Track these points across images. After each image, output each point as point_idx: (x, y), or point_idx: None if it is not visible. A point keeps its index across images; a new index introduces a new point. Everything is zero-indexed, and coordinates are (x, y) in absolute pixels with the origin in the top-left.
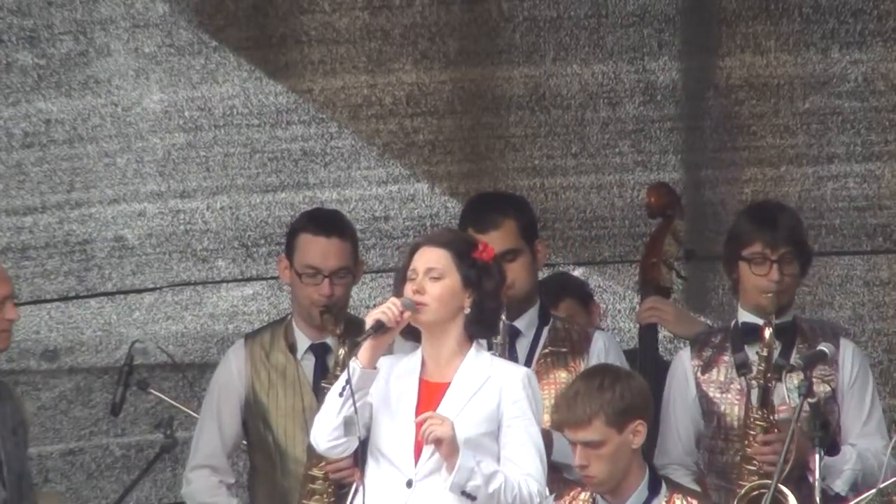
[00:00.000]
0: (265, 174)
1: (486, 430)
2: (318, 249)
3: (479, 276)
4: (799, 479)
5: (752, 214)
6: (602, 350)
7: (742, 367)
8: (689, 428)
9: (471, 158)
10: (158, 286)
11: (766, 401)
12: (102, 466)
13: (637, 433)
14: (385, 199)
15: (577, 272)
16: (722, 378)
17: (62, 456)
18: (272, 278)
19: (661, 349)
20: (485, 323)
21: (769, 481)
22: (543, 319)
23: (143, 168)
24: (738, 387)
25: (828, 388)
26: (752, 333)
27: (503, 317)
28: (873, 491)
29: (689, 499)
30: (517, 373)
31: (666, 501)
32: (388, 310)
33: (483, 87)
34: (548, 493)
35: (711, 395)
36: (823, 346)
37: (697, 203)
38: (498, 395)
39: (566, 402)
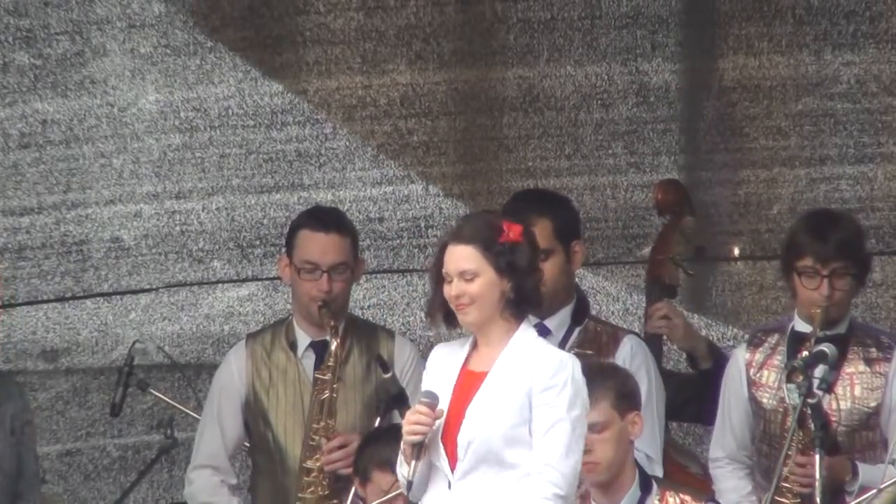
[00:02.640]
0: (260, 175)
1: (518, 421)
2: (317, 245)
3: (511, 259)
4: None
5: (806, 225)
6: (629, 355)
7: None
8: (744, 423)
9: (465, 160)
10: (154, 287)
11: (803, 422)
12: (100, 468)
13: (634, 424)
14: (379, 201)
15: None
16: (771, 383)
17: (59, 457)
18: (268, 279)
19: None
20: (528, 301)
21: None
22: (577, 320)
23: (140, 169)
24: (783, 395)
25: (873, 403)
26: (803, 343)
27: None
28: (874, 491)
29: (680, 496)
30: (552, 359)
31: (658, 500)
32: (420, 426)
33: (477, 88)
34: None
35: (759, 398)
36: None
37: None
38: (529, 384)
39: None
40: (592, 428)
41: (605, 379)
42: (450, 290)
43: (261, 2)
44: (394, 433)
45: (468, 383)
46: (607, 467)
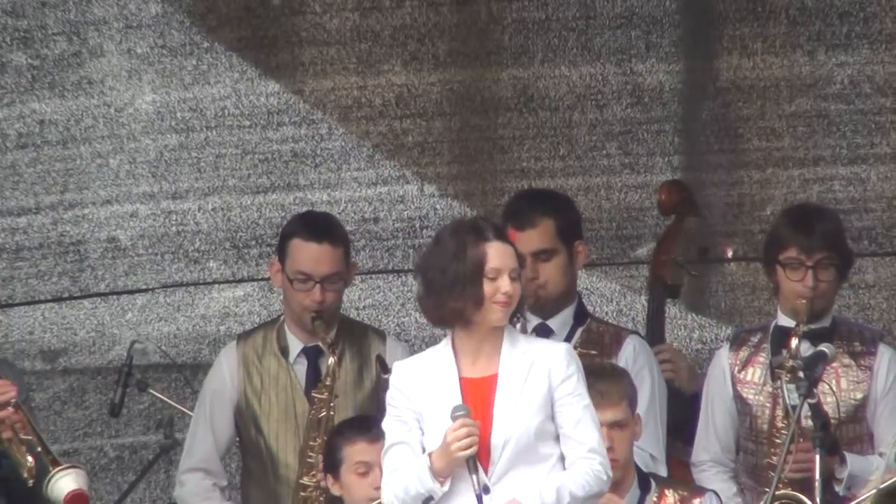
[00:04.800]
0: (256, 175)
1: (545, 415)
2: (310, 256)
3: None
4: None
5: (789, 218)
6: (631, 355)
7: (778, 370)
8: (728, 426)
9: (460, 160)
10: (151, 287)
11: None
12: (97, 468)
13: (637, 425)
14: (375, 201)
15: None
16: (756, 379)
17: (57, 457)
18: (263, 279)
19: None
20: (520, 306)
21: (794, 492)
22: (579, 320)
23: (136, 169)
24: (771, 390)
25: (859, 396)
26: (786, 337)
27: None
28: (873, 491)
29: (679, 492)
30: (559, 350)
31: (657, 497)
32: (472, 438)
33: (472, 88)
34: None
35: (745, 395)
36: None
37: None
38: (547, 378)
39: (590, 385)
40: (615, 425)
41: (619, 378)
42: (501, 287)
43: (257, 2)
44: (359, 421)
45: (476, 389)
46: (623, 465)
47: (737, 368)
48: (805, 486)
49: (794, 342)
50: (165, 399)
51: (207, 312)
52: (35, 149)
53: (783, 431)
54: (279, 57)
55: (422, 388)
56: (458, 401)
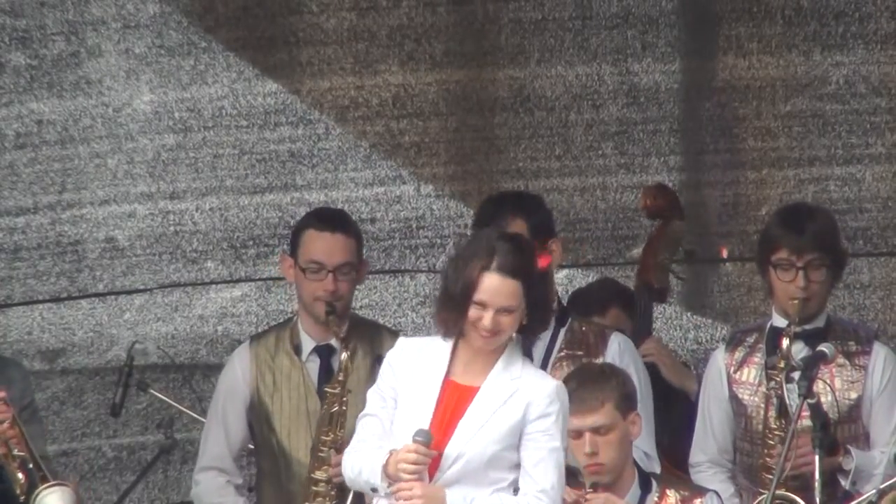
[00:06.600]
0: (254, 175)
1: (508, 444)
2: (323, 245)
3: (539, 292)
4: (830, 482)
5: (780, 218)
6: (617, 353)
7: (771, 371)
8: (725, 426)
9: (456, 160)
10: (149, 287)
11: (783, 412)
12: (95, 468)
13: (634, 424)
14: (371, 202)
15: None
16: (752, 380)
17: (55, 457)
18: (261, 279)
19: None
20: (535, 328)
21: (787, 493)
22: (560, 321)
23: (134, 169)
24: (765, 390)
25: (854, 395)
26: (781, 337)
27: None
28: (873, 491)
29: (681, 491)
30: (545, 388)
31: (658, 497)
32: (418, 466)
33: (468, 88)
34: None
35: (741, 396)
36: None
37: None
38: (524, 409)
39: (573, 392)
40: (598, 430)
41: (607, 380)
42: (483, 320)
43: (254, 2)
44: None
45: (455, 396)
46: (611, 469)
47: (732, 369)
48: (803, 484)
49: (785, 343)
50: (166, 399)
51: (205, 312)
52: (33, 149)
53: (776, 432)
54: (276, 57)
55: (410, 372)
56: (435, 398)
